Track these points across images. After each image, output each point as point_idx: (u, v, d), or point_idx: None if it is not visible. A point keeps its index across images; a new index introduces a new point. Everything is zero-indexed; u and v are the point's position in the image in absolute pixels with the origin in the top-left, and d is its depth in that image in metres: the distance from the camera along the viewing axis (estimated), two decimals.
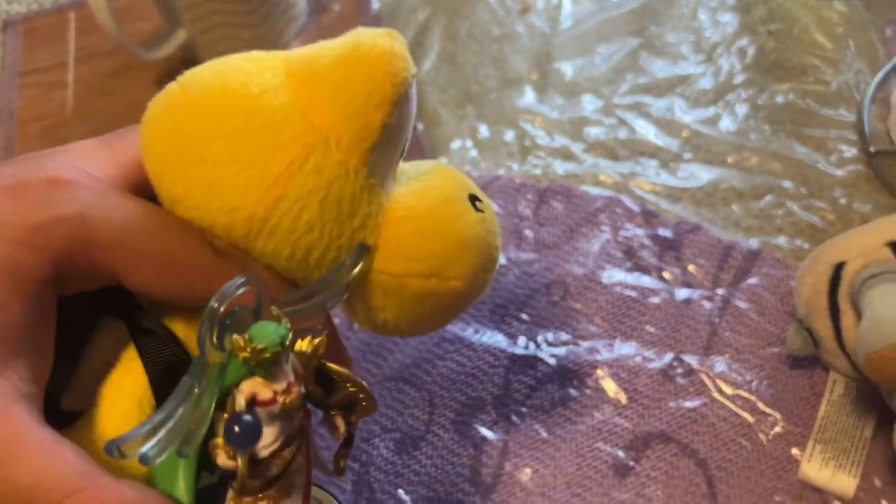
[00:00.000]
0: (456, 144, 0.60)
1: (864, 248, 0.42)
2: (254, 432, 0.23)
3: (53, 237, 0.24)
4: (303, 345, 0.26)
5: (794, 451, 0.43)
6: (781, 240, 0.52)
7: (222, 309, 0.23)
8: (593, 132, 0.59)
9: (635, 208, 0.54)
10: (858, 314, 0.40)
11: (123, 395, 0.26)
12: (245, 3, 0.62)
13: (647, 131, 0.59)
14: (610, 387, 0.46)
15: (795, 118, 0.58)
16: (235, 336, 0.23)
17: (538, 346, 0.48)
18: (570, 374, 0.47)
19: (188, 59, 0.65)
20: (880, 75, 0.59)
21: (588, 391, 0.46)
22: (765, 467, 0.43)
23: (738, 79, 0.61)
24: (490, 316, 0.50)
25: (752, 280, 0.50)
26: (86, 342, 0.27)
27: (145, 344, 0.27)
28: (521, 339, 0.49)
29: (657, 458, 0.44)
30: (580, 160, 0.58)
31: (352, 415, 0.28)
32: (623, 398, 0.46)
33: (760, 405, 0.45)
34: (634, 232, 0.53)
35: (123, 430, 0.23)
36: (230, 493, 0.24)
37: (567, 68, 0.64)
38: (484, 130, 0.61)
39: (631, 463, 0.44)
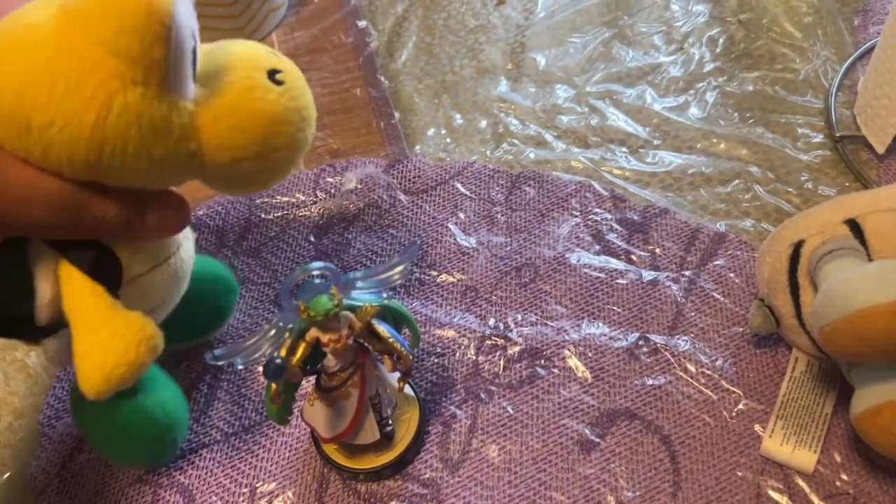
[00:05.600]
0: (431, 132, 0.61)
1: (823, 225, 0.42)
2: (281, 370, 0.34)
3: None
4: (355, 313, 0.36)
5: (757, 427, 0.44)
6: (748, 223, 0.53)
7: (299, 279, 0.34)
8: (565, 120, 0.60)
9: (605, 193, 0.55)
10: (816, 290, 0.41)
11: (80, 296, 0.33)
12: None
13: (618, 119, 0.60)
14: (577, 365, 0.47)
15: (764, 105, 0.59)
16: (300, 302, 0.35)
17: (507, 326, 0.49)
18: (538, 354, 0.48)
19: None
20: (848, 63, 0.60)
21: (555, 370, 0.47)
22: (727, 443, 0.44)
23: (708, 67, 0.62)
24: (461, 298, 0.51)
25: (718, 262, 0.51)
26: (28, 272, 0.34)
27: (72, 253, 0.33)
28: (491, 320, 0.49)
29: (622, 434, 0.45)
30: (552, 147, 0.59)
31: (399, 360, 0.39)
32: (589, 376, 0.47)
33: (724, 383, 0.46)
34: (604, 216, 0.54)
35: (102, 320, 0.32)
36: (312, 389, 0.39)
37: (540, 58, 0.65)
38: (458, 118, 0.62)
39: (596, 439, 0.44)
